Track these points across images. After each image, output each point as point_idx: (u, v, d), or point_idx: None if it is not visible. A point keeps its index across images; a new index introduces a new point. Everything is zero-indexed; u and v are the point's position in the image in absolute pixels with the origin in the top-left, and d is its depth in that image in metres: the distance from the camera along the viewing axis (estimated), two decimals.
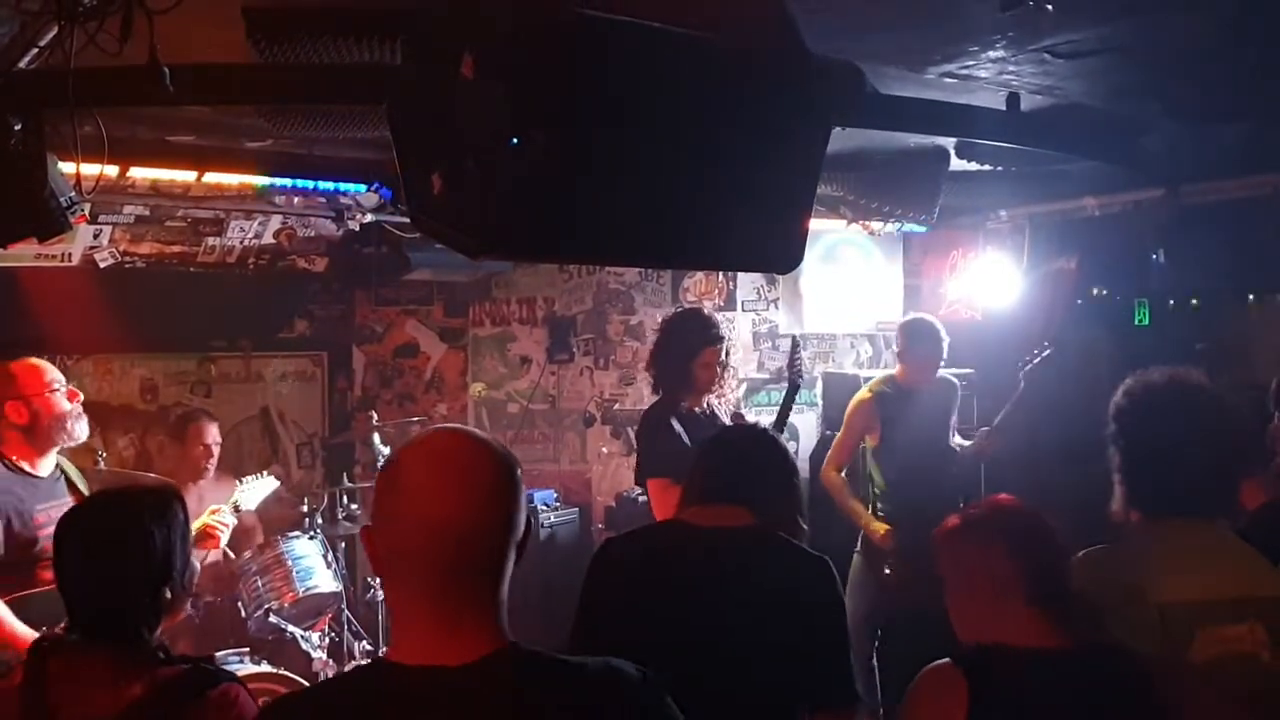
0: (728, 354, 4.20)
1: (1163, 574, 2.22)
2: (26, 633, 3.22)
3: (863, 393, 5.06)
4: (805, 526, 2.68)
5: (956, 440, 5.09)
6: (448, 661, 1.44)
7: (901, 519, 4.73)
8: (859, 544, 4.89)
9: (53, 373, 3.62)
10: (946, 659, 2.01)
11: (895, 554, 4.69)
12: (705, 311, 4.47)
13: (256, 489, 4.67)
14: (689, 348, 4.12)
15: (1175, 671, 2.09)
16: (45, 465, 3.59)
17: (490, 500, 1.49)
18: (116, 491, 2.39)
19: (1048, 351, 5.04)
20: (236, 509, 4.45)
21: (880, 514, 4.88)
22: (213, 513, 4.28)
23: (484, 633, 1.48)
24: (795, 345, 4.69)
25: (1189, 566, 2.24)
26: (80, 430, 3.63)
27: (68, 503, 3.47)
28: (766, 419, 6.23)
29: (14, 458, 3.50)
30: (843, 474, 4.97)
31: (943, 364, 4.95)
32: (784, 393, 4.66)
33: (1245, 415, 2.39)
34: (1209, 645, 2.16)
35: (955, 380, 5.11)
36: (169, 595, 2.17)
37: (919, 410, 4.88)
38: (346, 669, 1.74)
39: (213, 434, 5.07)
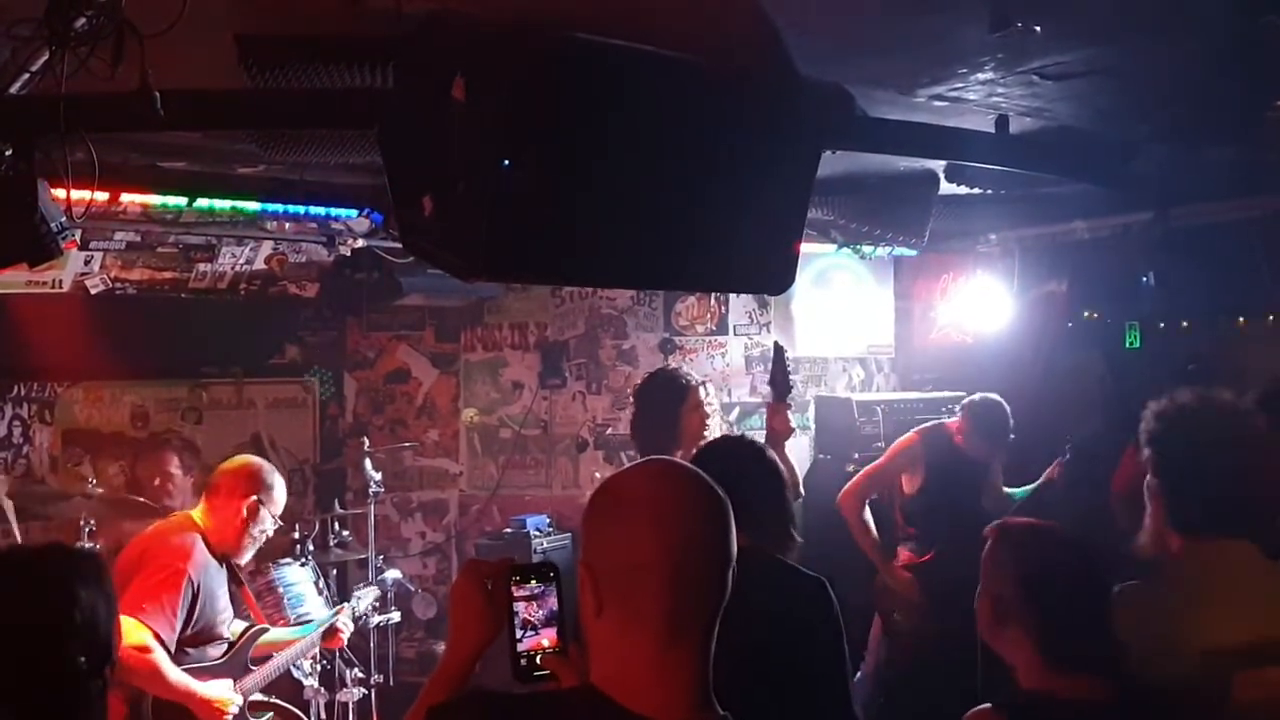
0: (709, 395, 4.10)
1: (1206, 615, 2.17)
2: (202, 688, 3.46)
3: (913, 435, 4.91)
4: (799, 540, 2.66)
5: (1005, 490, 5.05)
6: (678, 718, 1.41)
7: (927, 571, 4.66)
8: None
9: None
10: (988, 704, 1.97)
11: (910, 604, 4.64)
12: (671, 367, 4.45)
13: (365, 597, 4.71)
14: (674, 396, 4.04)
15: None
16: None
17: (719, 524, 1.47)
18: (35, 550, 2.02)
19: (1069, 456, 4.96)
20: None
21: (904, 559, 4.81)
22: (338, 612, 4.31)
23: (708, 694, 1.45)
24: (779, 354, 4.17)
25: (1231, 601, 2.19)
26: (251, 553, 3.83)
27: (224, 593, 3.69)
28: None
29: (215, 542, 3.65)
30: (865, 506, 4.83)
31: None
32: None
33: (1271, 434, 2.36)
34: (1250, 687, 2.11)
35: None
36: (100, 683, 1.83)
37: (964, 467, 4.78)
38: (552, 690, 1.54)
39: (173, 462, 5.06)
